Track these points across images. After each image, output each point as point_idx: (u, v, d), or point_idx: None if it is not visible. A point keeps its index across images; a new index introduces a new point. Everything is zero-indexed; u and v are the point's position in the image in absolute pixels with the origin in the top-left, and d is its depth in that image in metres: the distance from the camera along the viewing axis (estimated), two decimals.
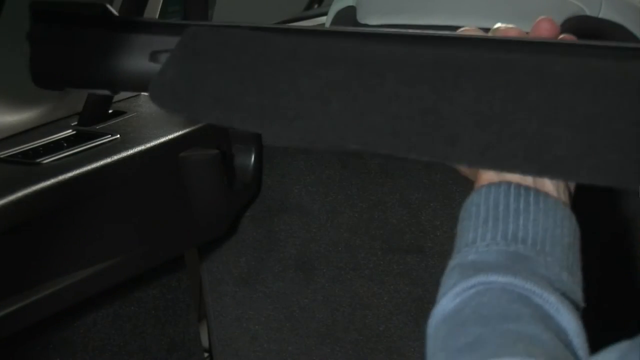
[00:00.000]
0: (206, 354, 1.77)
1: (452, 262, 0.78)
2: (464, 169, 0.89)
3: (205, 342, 1.77)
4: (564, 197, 0.81)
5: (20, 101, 1.36)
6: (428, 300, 1.55)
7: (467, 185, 1.48)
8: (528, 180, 0.78)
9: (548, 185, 0.79)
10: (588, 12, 1.41)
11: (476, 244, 0.77)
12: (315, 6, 2.78)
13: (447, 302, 0.75)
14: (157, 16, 1.54)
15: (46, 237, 1.24)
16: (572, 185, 0.83)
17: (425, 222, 1.51)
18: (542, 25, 0.92)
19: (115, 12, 1.12)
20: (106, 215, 1.32)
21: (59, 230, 1.25)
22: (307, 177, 1.56)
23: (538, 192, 0.78)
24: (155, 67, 1.09)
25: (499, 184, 0.79)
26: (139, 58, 1.11)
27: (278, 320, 1.64)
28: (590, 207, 0.82)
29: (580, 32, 1.42)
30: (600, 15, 1.42)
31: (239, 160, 1.53)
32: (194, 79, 0.91)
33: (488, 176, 0.80)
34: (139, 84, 1.19)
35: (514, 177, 0.78)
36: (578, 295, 0.76)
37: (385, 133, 0.77)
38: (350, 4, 1.51)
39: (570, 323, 0.73)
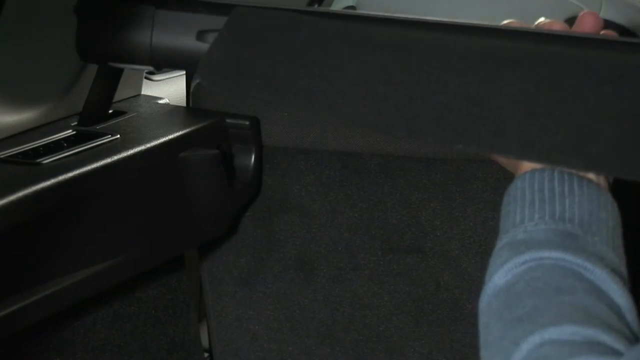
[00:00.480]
0: (206, 354, 1.77)
1: (500, 242, 0.79)
2: (503, 159, 0.90)
3: (205, 342, 1.77)
4: (604, 184, 0.83)
5: (20, 101, 1.35)
6: (428, 301, 1.55)
7: (467, 185, 1.48)
8: None
9: (590, 173, 0.80)
10: None
11: (524, 224, 0.78)
12: (315, 6, 2.78)
13: (499, 278, 0.76)
14: None
15: (46, 237, 1.23)
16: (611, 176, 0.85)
17: (425, 222, 1.51)
18: (586, 19, 0.92)
19: None
20: (106, 216, 1.32)
21: (59, 230, 1.25)
22: (307, 177, 1.56)
23: (581, 178, 0.79)
24: (202, 46, 1.09)
25: (542, 169, 0.80)
26: (186, 36, 1.11)
27: (278, 320, 1.64)
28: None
29: None
30: (600, 16, 1.42)
31: (239, 160, 1.53)
32: (242, 60, 0.91)
33: (531, 163, 0.81)
34: (183, 61, 1.19)
35: None
36: (625, 275, 0.77)
37: (431, 121, 0.77)
38: (350, 4, 1.51)
39: (622, 298, 0.74)
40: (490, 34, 0.87)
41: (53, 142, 1.33)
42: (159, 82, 1.85)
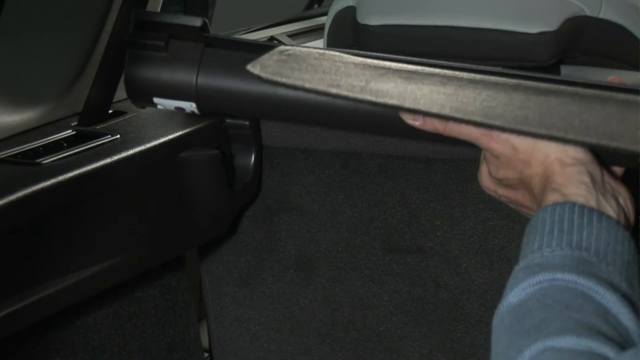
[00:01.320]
0: (206, 354, 1.77)
1: (518, 267, 0.83)
2: (523, 201, 0.94)
3: (205, 342, 1.77)
4: (624, 222, 0.86)
5: (20, 101, 1.36)
6: (428, 301, 1.55)
7: (467, 186, 1.48)
8: (591, 202, 0.84)
9: (609, 209, 0.85)
10: (588, 12, 1.41)
11: (542, 250, 0.82)
12: (315, 6, 2.78)
13: (512, 297, 0.81)
14: None
15: (46, 237, 1.24)
16: (632, 214, 0.89)
17: (425, 222, 1.51)
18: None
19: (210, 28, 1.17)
20: (106, 215, 1.32)
21: (59, 230, 1.25)
22: (307, 177, 1.56)
23: (600, 213, 0.83)
24: (245, 85, 1.14)
25: (564, 202, 0.84)
26: (231, 76, 1.15)
27: (278, 320, 1.64)
28: None
29: (580, 33, 1.42)
30: (600, 16, 1.42)
31: (239, 160, 1.53)
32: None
33: (553, 197, 0.85)
34: (227, 100, 1.24)
35: (579, 199, 0.84)
36: (636, 303, 0.79)
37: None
38: (350, 4, 1.50)
39: (631, 321, 0.76)
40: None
41: (53, 142, 1.33)
42: None
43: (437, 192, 1.50)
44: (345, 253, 1.57)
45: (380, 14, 1.42)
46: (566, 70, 1.44)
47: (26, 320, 1.23)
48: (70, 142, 1.34)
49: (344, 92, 0.98)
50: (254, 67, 1.06)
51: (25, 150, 1.29)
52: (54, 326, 1.42)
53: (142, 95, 1.24)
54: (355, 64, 1.04)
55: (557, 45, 1.37)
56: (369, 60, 1.05)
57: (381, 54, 1.07)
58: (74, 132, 1.38)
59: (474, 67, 1.00)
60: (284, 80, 1.02)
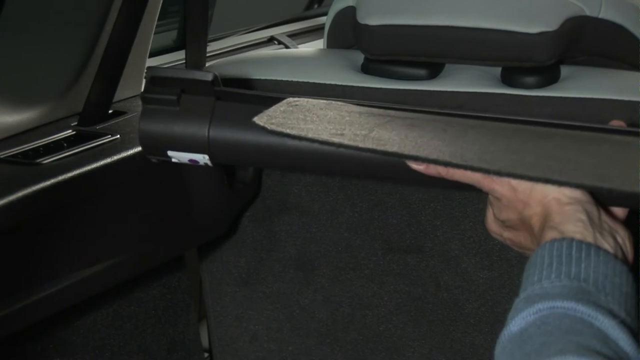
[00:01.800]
0: (206, 354, 1.77)
1: (518, 299, 0.85)
2: (525, 242, 0.97)
3: (205, 342, 1.77)
4: (621, 256, 0.89)
5: (20, 101, 1.36)
6: (428, 301, 1.55)
7: (467, 185, 1.48)
8: (588, 238, 0.87)
9: (607, 245, 0.88)
10: (588, 12, 1.41)
11: (541, 282, 0.84)
12: (315, 6, 2.78)
13: (513, 326, 0.82)
14: (156, 16, 1.54)
15: (46, 237, 1.24)
16: (630, 253, 0.92)
17: (425, 222, 1.51)
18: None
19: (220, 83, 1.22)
20: (106, 216, 1.32)
21: (59, 230, 1.25)
22: (307, 177, 1.56)
23: (598, 248, 0.86)
24: (256, 138, 1.18)
25: (561, 239, 0.87)
26: (242, 128, 1.19)
27: (278, 320, 1.64)
28: None
29: (580, 33, 1.42)
30: (600, 16, 1.42)
31: None
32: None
33: (551, 234, 0.88)
34: (239, 153, 1.27)
35: (576, 235, 0.87)
36: (635, 329, 0.82)
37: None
38: (350, 4, 1.50)
39: (631, 347, 0.78)
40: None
41: (53, 142, 1.33)
42: None
43: (437, 192, 1.50)
44: (345, 253, 1.57)
45: (380, 14, 1.42)
46: (566, 71, 1.44)
47: (26, 320, 1.23)
48: (70, 142, 1.34)
49: (346, 141, 1.01)
50: (260, 119, 1.08)
51: (25, 150, 1.29)
52: (54, 326, 1.43)
53: (156, 149, 1.29)
54: (360, 113, 1.08)
55: (557, 45, 1.37)
56: (374, 110, 1.09)
57: (389, 104, 1.12)
58: (74, 132, 1.38)
59: (473, 114, 1.04)
60: (288, 131, 1.04)
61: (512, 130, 0.97)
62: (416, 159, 0.96)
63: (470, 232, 1.49)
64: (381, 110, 1.08)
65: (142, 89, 1.27)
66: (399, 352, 1.59)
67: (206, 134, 1.24)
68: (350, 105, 1.10)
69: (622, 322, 0.79)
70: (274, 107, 1.11)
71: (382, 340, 1.59)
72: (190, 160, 1.31)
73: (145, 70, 1.24)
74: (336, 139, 1.02)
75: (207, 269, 1.66)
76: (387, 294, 1.57)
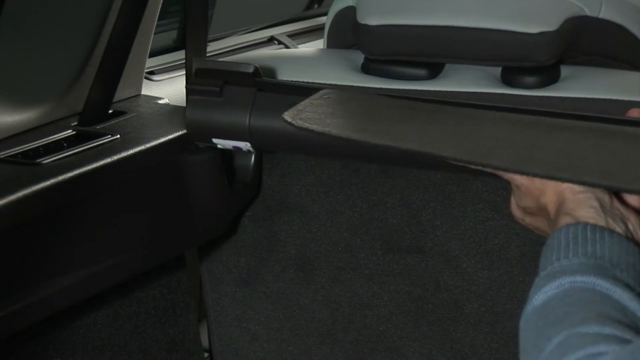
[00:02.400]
0: (206, 354, 1.77)
1: (538, 278, 0.90)
2: (544, 227, 1.02)
3: (205, 342, 1.77)
4: (633, 240, 0.94)
5: (20, 101, 1.36)
6: (428, 301, 1.55)
7: (467, 185, 1.48)
8: (600, 223, 0.92)
9: (618, 229, 0.93)
10: (588, 12, 1.41)
11: (560, 261, 0.89)
12: (315, 6, 2.78)
13: (536, 300, 0.87)
14: (156, 16, 1.54)
15: (46, 237, 1.24)
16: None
17: (425, 222, 1.51)
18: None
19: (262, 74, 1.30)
20: (106, 215, 1.32)
21: (59, 230, 1.25)
22: (307, 177, 1.56)
23: (611, 231, 0.92)
24: (291, 128, 1.20)
25: (576, 223, 0.92)
26: (280, 117, 1.22)
27: (278, 320, 1.64)
28: None
29: (580, 33, 1.42)
30: (601, 16, 1.42)
31: (239, 160, 1.53)
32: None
33: (565, 219, 0.94)
34: (277, 140, 1.34)
35: (589, 220, 0.92)
36: None
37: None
38: (350, 4, 1.50)
39: None
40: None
41: (53, 142, 1.33)
42: (159, 82, 1.85)
43: (437, 192, 1.50)
44: (345, 253, 1.57)
45: (380, 14, 1.42)
46: (566, 71, 1.44)
47: (26, 320, 1.23)
48: (70, 142, 1.34)
49: (367, 138, 1.06)
50: (289, 114, 1.12)
51: (25, 150, 1.29)
52: (54, 326, 1.43)
53: (202, 136, 1.38)
54: (385, 106, 1.14)
55: (557, 45, 1.37)
56: (397, 101, 1.14)
57: (411, 96, 1.17)
58: (74, 132, 1.38)
59: (492, 105, 1.10)
60: (313, 127, 1.09)
61: (527, 123, 1.02)
62: (435, 156, 1.00)
63: (470, 232, 1.49)
64: (403, 102, 1.12)
65: (187, 82, 1.37)
66: (399, 352, 1.59)
67: (247, 123, 1.31)
68: (378, 97, 1.15)
69: (639, 295, 0.84)
70: (306, 101, 1.15)
71: (382, 340, 1.59)
72: (234, 147, 1.40)
73: (192, 63, 1.35)
74: (358, 135, 1.07)
75: (207, 269, 1.66)
76: (387, 294, 1.57)
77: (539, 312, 0.86)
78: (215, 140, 1.38)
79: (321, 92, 1.18)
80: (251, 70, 1.30)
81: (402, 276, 1.55)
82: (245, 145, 1.38)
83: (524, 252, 1.46)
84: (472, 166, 1.00)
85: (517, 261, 1.48)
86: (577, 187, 0.95)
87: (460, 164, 1.00)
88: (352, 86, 1.45)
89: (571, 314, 0.82)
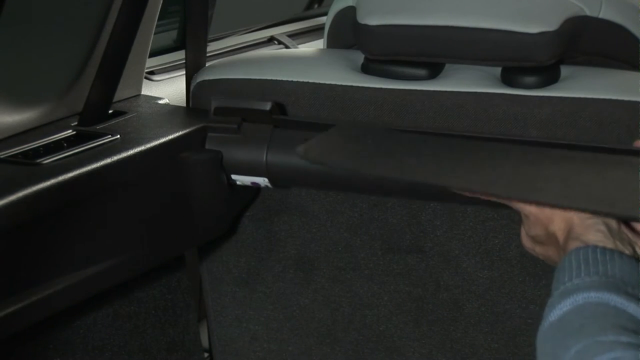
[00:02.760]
0: (206, 354, 1.77)
1: (552, 297, 0.92)
2: (553, 256, 1.05)
3: (205, 342, 1.77)
4: None
5: (20, 101, 1.36)
6: (428, 301, 1.55)
7: None
8: (609, 245, 0.95)
9: (626, 252, 0.95)
10: (588, 12, 1.41)
11: (572, 280, 0.92)
12: (315, 6, 2.78)
13: (552, 317, 0.90)
14: (156, 16, 1.54)
15: (46, 237, 1.24)
16: None
17: (425, 222, 1.51)
18: None
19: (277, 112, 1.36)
20: (106, 216, 1.32)
21: (59, 230, 1.25)
22: None
23: (621, 252, 0.94)
24: (307, 164, 1.29)
25: (586, 246, 0.95)
26: (294, 153, 1.25)
27: (278, 320, 1.64)
28: None
29: (580, 33, 1.42)
30: (601, 16, 1.42)
31: None
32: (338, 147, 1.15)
33: (575, 244, 0.96)
34: (294, 176, 1.40)
35: (598, 243, 0.95)
36: None
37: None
38: (350, 4, 1.50)
39: None
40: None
41: (53, 142, 1.33)
42: (159, 82, 1.85)
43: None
44: (345, 253, 1.57)
45: (380, 14, 1.42)
46: (566, 71, 1.44)
47: (26, 320, 1.23)
48: (70, 142, 1.34)
49: (378, 171, 1.10)
50: (301, 149, 1.15)
51: (25, 150, 1.29)
52: (54, 326, 1.42)
53: (221, 171, 1.42)
54: (395, 141, 1.16)
55: (557, 45, 1.37)
56: (406, 135, 1.18)
57: (421, 129, 1.22)
58: (74, 132, 1.38)
59: (500, 137, 1.16)
60: (326, 161, 1.13)
61: (534, 154, 1.07)
62: (445, 186, 1.04)
63: (470, 232, 1.49)
64: (414, 136, 1.17)
65: (206, 119, 1.45)
66: (399, 352, 1.59)
67: (264, 159, 1.37)
68: (391, 132, 1.20)
69: None
70: (320, 136, 1.18)
71: (382, 340, 1.59)
72: (253, 183, 1.45)
73: (212, 102, 1.41)
74: (368, 169, 1.11)
75: (207, 269, 1.66)
76: (387, 294, 1.57)
77: (555, 327, 0.89)
78: (234, 177, 1.43)
79: (337, 127, 1.21)
80: (268, 107, 1.35)
81: (402, 276, 1.55)
82: (263, 181, 1.43)
83: (523, 252, 1.46)
84: (482, 197, 1.03)
85: (517, 261, 1.48)
86: (584, 214, 0.98)
87: (469, 194, 1.02)
88: (352, 86, 1.45)
89: (587, 326, 0.85)
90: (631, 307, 0.86)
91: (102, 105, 1.44)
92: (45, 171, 1.22)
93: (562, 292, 0.91)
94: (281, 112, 1.44)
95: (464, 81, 1.43)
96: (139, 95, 1.58)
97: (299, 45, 2.30)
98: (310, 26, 2.45)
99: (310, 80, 1.47)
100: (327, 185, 1.43)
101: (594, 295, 0.88)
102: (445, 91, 1.42)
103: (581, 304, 0.88)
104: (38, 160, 1.25)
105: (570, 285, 0.91)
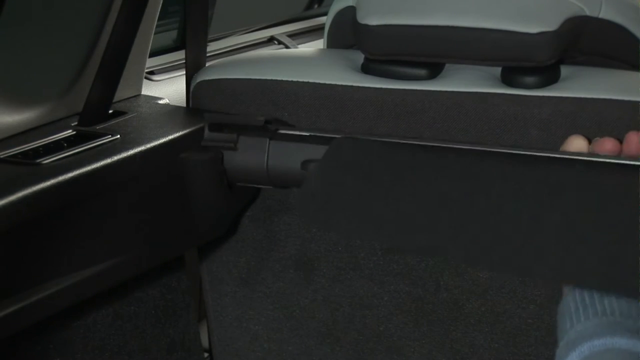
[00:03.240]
0: (206, 354, 1.77)
1: (558, 348, 0.92)
2: None
3: (205, 342, 1.77)
4: None
5: (20, 101, 1.36)
6: (428, 301, 1.55)
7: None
8: None
9: None
10: (588, 12, 1.41)
11: (574, 327, 0.92)
12: (315, 6, 2.78)
13: None
14: (156, 16, 1.54)
15: (46, 237, 1.24)
16: None
17: None
18: (632, 139, 1.07)
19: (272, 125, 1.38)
20: (106, 216, 1.32)
21: (59, 230, 1.25)
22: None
23: None
24: (305, 174, 1.33)
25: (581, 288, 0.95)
26: (293, 163, 1.35)
27: (278, 320, 1.64)
28: None
29: (580, 33, 1.43)
30: (601, 16, 1.42)
31: None
32: (334, 192, 1.13)
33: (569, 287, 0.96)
34: (294, 183, 1.41)
35: None
36: None
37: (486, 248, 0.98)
38: (350, 4, 1.51)
39: None
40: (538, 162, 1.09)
41: (53, 142, 1.33)
42: (159, 82, 1.85)
43: None
44: (345, 253, 1.57)
45: (380, 14, 1.42)
46: (566, 71, 1.44)
47: (26, 320, 1.23)
48: (70, 142, 1.34)
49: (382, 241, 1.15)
50: (301, 209, 1.23)
51: (25, 150, 1.29)
52: (54, 326, 1.42)
53: (225, 182, 1.43)
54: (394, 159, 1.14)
55: (557, 45, 1.37)
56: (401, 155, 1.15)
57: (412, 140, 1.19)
58: (74, 132, 1.38)
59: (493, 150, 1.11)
60: (330, 228, 1.16)
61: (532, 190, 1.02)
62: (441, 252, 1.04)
63: None
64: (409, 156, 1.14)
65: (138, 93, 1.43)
66: (399, 352, 1.59)
67: (265, 169, 1.40)
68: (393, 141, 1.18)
69: None
70: (324, 152, 1.19)
71: (382, 340, 1.59)
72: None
73: (205, 118, 1.43)
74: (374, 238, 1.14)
75: (207, 269, 1.66)
76: (387, 294, 1.57)
77: None
78: (240, 185, 1.48)
79: (336, 141, 1.20)
80: (262, 123, 1.38)
81: (402, 276, 1.55)
82: (267, 188, 1.49)
83: None
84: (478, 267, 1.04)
85: None
86: None
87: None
88: (352, 86, 1.45)
89: None
90: (637, 346, 0.86)
91: (102, 105, 1.44)
92: (45, 171, 1.22)
93: (566, 344, 0.91)
94: (277, 121, 1.46)
95: (464, 81, 1.43)
96: (139, 95, 1.58)
97: (299, 45, 2.30)
98: (310, 26, 2.45)
99: (310, 80, 1.47)
100: None
101: (598, 344, 0.88)
102: (445, 91, 1.42)
103: (587, 355, 0.88)
104: (38, 160, 1.25)
105: (573, 333, 0.91)
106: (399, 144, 1.17)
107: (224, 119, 1.42)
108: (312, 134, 1.37)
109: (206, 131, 1.41)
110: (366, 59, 1.49)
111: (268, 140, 1.40)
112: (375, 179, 1.11)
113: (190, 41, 1.56)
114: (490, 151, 1.13)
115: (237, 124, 1.40)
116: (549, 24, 1.36)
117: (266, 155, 1.40)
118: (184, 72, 1.58)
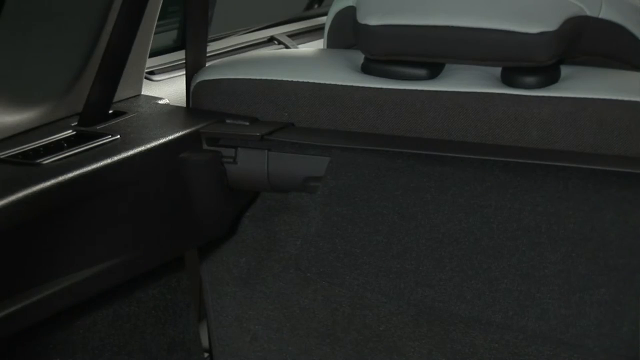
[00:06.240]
0: (206, 354, 1.77)
1: None
2: None
3: (205, 342, 1.77)
4: None
5: (20, 101, 1.36)
6: (428, 301, 1.54)
7: (467, 185, 1.48)
8: None
9: None
10: (588, 13, 1.41)
11: None
12: (316, 6, 2.78)
13: None
14: (156, 16, 1.54)
15: (46, 237, 1.24)
16: None
17: None
18: None
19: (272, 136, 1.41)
20: (106, 216, 1.32)
21: (59, 230, 1.25)
22: None
23: None
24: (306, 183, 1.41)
25: None
26: (293, 175, 1.42)
27: (278, 320, 1.64)
28: None
29: (580, 33, 1.43)
30: (601, 16, 1.42)
31: None
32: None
33: None
34: (297, 184, 1.46)
35: None
36: None
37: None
38: (350, 4, 1.51)
39: None
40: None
41: (53, 142, 1.33)
42: (159, 82, 1.85)
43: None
44: (345, 253, 1.57)
45: (380, 14, 1.42)
46: (566, 71, 1.44)
47: (26, 320, 1.23)
48: (70, 142, 1.34)
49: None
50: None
51: (25, 150, 1.29)
52: (54, 326, 1.42)
53: (229, 188, 1.47)
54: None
55: (557, 45, 1.37)
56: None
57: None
58: (74, 132, 1.38)
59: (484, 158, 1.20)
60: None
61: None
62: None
63: None
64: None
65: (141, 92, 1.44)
66: (399, 352, 1.59)
67: (266, 177, 1.44)
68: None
69: None
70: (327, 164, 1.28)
71: (382, 340, 1.59)
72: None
73: (200, 131, 1.46)
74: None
75: (207, 269, 1.66)
76: (387, 294, 1.56)
77: None
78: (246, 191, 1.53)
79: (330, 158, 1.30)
80: (258, 134, 1.41)
81: (403, 276, 1.55)
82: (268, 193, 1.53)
83: None
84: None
85: None
86: None
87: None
88: (352, 86, 1.45)
89: None
90: None
91: (102, 105, 1.44)
92: (46, 171, 1.22)
93: None
94: (276, 123, 1.47)
95: (464, 81, 1.43)
96: (139, 95, 1.58)
97: (299, 45, 2.30)
98: (310, 26, 2.45)
99: (310, 80, 1.47)
100: None
101: None
102: (445, 91, 1.42)
103: None
104: (38, 161, 1.25)
105: None
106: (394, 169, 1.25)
107: (220, 132, 1.44)
108: (311, 142, 1.41)
109: (204, 144, 1.44)
110: (366, 59, 1.49)
111: (267, 152, 1.42)
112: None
113: (190, 41, 1.56)
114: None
115: (235, 136, 1.44)
116: (549, 24, 1.36)
117: (266, 166, 1.44)
118: (184, 72, 1.58)
